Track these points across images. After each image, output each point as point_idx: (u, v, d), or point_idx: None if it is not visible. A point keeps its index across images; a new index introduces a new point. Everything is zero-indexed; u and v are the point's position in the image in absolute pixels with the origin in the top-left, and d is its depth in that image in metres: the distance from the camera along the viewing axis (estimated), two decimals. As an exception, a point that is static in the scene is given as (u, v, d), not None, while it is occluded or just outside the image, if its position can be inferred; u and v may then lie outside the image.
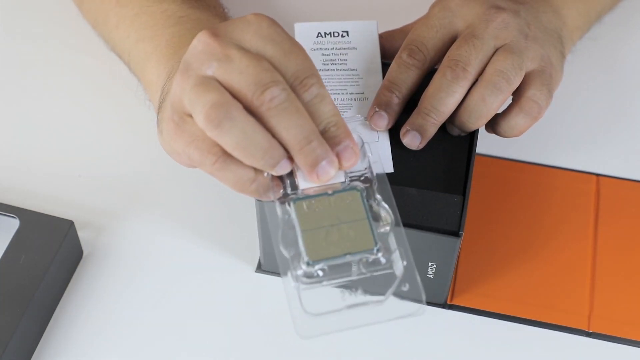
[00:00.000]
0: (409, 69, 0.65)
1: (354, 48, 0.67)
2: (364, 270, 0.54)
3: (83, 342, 0.66)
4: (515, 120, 0.65)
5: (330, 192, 0.55)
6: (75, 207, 0.71)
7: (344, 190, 0.55)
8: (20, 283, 0.64)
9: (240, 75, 0.53)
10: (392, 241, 0.55)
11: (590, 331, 0.67)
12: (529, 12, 0.68)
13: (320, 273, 0.54)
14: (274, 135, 0.54)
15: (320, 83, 0.55)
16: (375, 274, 0.54)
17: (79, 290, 0.68)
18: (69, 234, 0.67)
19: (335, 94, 0.66)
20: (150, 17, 0.69)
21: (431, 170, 0.64)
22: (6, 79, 0.80)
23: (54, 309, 0.67)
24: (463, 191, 0.63)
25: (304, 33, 0.67)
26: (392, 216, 0.56)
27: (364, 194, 0.56)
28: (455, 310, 0.68)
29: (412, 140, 0.64)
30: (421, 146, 0.65)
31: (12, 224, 0.67)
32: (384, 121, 0.64)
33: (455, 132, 0.66)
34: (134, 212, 0.72)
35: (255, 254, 0.70)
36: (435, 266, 0.64)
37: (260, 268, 0.69)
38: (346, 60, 0.67)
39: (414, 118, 0.65)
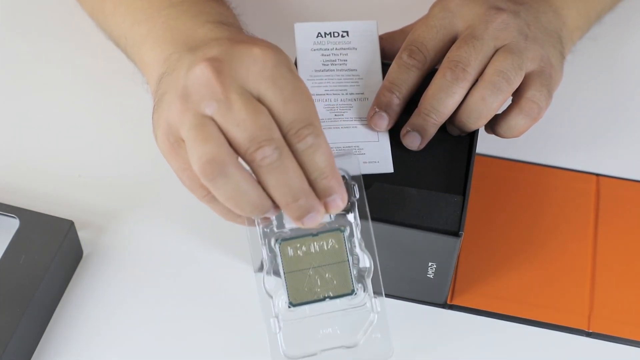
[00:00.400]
0: (409, 70, 0.65)
1: (354, 48, 0.67)
2: (342, 306, 0.59)
3: (83, 342, 0.66)
4: (515, 120, 0.65)
5: (314, 232, 0.58)
6: (75, 207, 0.71)
7: (328, 230, 0.58)
8: (20, 283, 0.64)
9: (236, 127, 0.53)
10: (369, 286, 0.59)
11: (590, 331, 0.67)
12: (528, 13, 0.68)
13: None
14: (263, 188, 0.55)
15: (317, 132, 0.54)
16: (352, 309, 0.59)
17: (79, 290, 0.68)
18: (69, 234, 0.67)
19: (335, 94, 0.66)
20: (145, 0, 0.68)
21: (431, 170, 0.64)
22: (6, 79, 0.80)
23: (54, 309, 0.67)
24: (463, 191, 0.63)
25: (304, 33, 0.67)
26: (372, 262, 0.59)
27: (347, 234, 0.58)
28: (455, 310, 0.68)
29: (412, 141, 0.64)
30: (421, 146, 0.65)
31: (12, 224, 0.67)
32: (384, 122, 0.64)
33: (455, 132, 0.66)
34: (134, 212, 0.72)
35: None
36: (435, 266, 0.64)
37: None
38: (346, 60, 0.67)
39: (414, 119, 0.65)
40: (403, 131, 0.65)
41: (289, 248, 0.58)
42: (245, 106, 0.53)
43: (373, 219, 0.60)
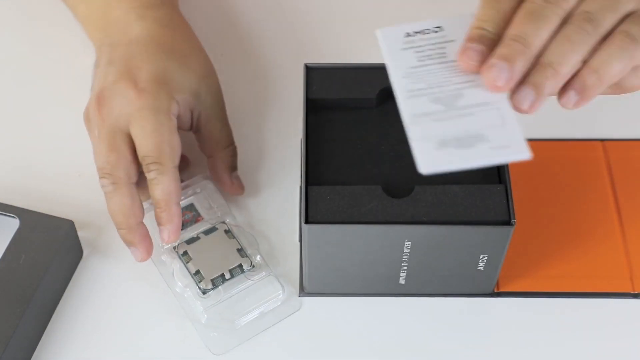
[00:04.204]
0: (499, 2, 0.56)
1: (451, 41, 0.61)
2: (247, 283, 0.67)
3: (83, 342, 0.65)
4: (608, 52, 0.54)
5: (196, 235, 0.68)
6: (75, 207, 0.70)
7: (211, 230, 0.68)
8: (20, 283, 0.63)
9: (95, 155, 0.66)
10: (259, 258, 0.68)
11: (636, 292, 0.67)
12: None
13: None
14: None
15: (161, 170, 0.64)
16: (254, 281, 0.67)
17: (79, 290, 0.67)
18: (69, 234, 0.67)
19: (440, 86, 0.59)
20: None
21: None
22: (6, 79, 0.80)
23: (54, 309, 0.66)
24: (504, 179, 0.61)
25: (390, 37, 0.61)
26: (256, 239, 0.69)
27: (225, 228, 0.68)
28: (504, 297, 0.67)
29: (524, 99, 0.54)
30: (534, 108, 0.55)
31: (12, 224, 0.67)
32: (504, 74, 0.54)
33: (571, 99, 0.56)
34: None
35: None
36: (486, 258, 0.63)
37: (303, 291, 0.68)
38: (445, 53, 0.60)
39: (531, 75, 0.55)
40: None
41: (187, 251, 0.67)
42: (107, 142, 0.65)
43: (423, 222, 0.59)
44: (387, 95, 0.65)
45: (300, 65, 0.66)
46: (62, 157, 0.72)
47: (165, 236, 0.65)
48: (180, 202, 0.66)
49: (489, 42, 0.56)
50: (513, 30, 0.55)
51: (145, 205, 0.66)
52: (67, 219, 0.67)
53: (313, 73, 0.66)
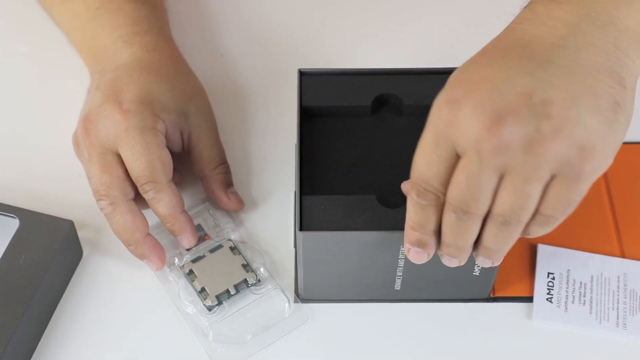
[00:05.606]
0: (425, 209, 0.55)
1: None
2: (252, 297, 0.67)
3: (83, 342, 0.65)
4: (532, 229, 0.54)
5: (202, 254, 0.68)
6: (75, 207, 0.71)
7: (216, 247, 0.68)
8: (20, 283, 0.64)
9: (90, 178, 0.66)
10: (265, 273, 0.68)
11: None
12: (549, 70, 0.50)
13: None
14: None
15: (157, 188, 0.65)
16: (260, 296, 0.67)
17: (79, 290, 0.68)
18: (69, 234, 0.67)
19: None
20: (76, 5, 0.74)
21: None
22: (5, 79, 0.80)
23: (54, 309, 0.67)
24: None
25: None
26: (261, 254, 0.69)
27: (231, 245, 0.68)
28: (499, 302, 0.67)
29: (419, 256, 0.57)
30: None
31: (12, 224, 0.67)
32: (423, 256, 0.57)
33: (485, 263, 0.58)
34: (134, 211, 0.72)
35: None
36: None
37: (298, 298, 0.68)
38: None
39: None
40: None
41: (193, 270, 0.67)
42: (98, 163, 0.65)
43: None
44: (382, 103, 0.65)
45: (294, 70, 0.65)
46: (62, 157, 0.73)
47: (185, 243, 0.68)
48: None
49: (432, 242, 0.56)
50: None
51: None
52: (67, 219, 0.67)
53: (307, 79, 0.65)
